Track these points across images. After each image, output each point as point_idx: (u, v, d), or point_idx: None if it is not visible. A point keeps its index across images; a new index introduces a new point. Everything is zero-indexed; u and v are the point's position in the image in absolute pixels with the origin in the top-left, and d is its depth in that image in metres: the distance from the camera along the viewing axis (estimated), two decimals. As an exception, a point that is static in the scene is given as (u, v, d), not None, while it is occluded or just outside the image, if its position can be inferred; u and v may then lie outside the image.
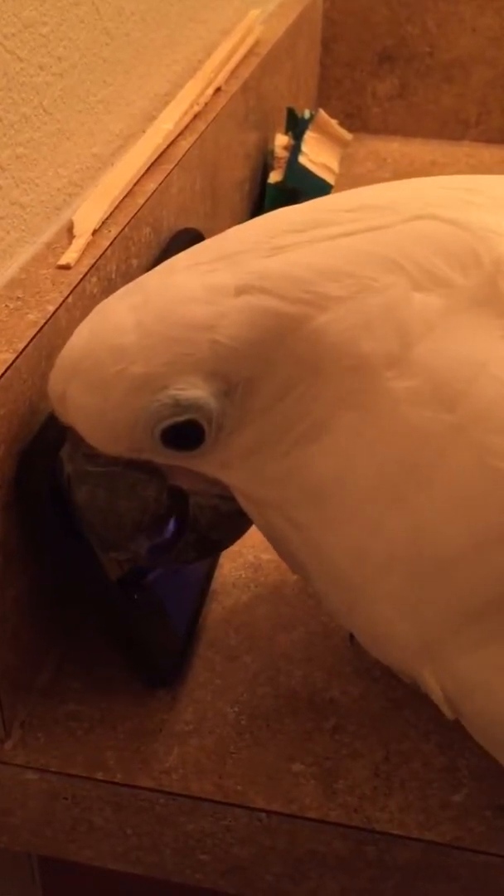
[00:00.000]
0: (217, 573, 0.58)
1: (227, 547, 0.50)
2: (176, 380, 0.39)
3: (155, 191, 0.63)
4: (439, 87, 1.18)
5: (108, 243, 0.56)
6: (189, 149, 0.69)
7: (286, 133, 1.02)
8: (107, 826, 0.50)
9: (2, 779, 0.49)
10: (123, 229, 0.58)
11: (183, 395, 0.39)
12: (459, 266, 0.37)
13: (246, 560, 0.59)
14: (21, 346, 0.46)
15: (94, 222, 0.56)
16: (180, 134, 0.71)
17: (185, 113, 0.72)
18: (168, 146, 0.68)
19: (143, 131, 0.68)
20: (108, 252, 0.55)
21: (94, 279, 0.54)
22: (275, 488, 0.41)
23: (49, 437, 0.46)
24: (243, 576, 0.59)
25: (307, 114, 1.04)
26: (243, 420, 0.40)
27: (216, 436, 0.41)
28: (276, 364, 0.39)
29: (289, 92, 1.05)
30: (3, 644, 0.47)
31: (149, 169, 0.65)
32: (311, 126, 1.02)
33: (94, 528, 0.45)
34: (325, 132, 1.06)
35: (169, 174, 0.65)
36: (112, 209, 0.59)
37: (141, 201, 0.61)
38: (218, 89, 0.80)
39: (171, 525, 0.45)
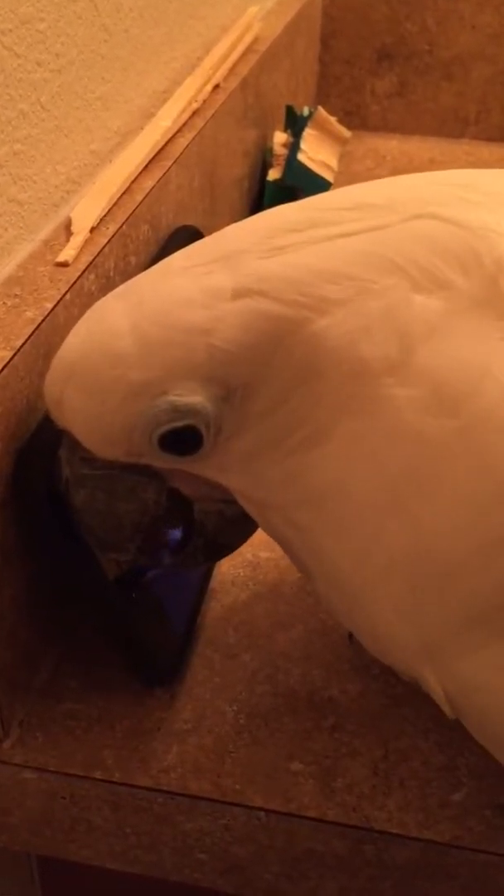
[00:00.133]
0: (216, 571, 0.58)
1: (235, 549, 0.49)
2: (173, 385, 0.39)
3: (153, 188, 0.62)
4: (438, 85, 1.18)
5: (106, 240, 0.55)
6: (188, 146, 0.69)
7: (285, 130, 1.02)
8: (105, 825, 0.49)
9: (0, 778, 0.49)
10: (121, 226, 0.57)
11: (180, 401, 0.39)
12: (460, 266, 0.37)
13: (245, 558, 0.59)
14: (19, 343, 0.46)
15: (92, 219, 0.56)
16: (179, 131, 0.71)
17: (184, 110, 0.72)
18: (166, 143, 0.68)
19: (142, 128, 0.68)
20: (107, 249, 0.55)
21: (92, 276, 0.54)
22: (275, 492, 0.41)
23: (47, 436, 0.46)
24: (242, 574, 0.59)
25: (306, 111, 1.03)
26: (242, 424, 0.40)
27: (215, 440, 0.40)
28: (275, 368, 0.38)
29: (287, 89, 1.05)
30: (1, 643, 0.47)
31: (147, 166, 0.65)
32: (309, 123, 1.02)
33: (94, 531, 0.45)
34: (323, 130, 1.05)
35: (167, 171, 0.65)
36: (110, 206, 0.59)
37: (139, 198, 0.61)
38: (216, 86, 0.80)
39: (177, 532, 0.45)
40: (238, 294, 0.38)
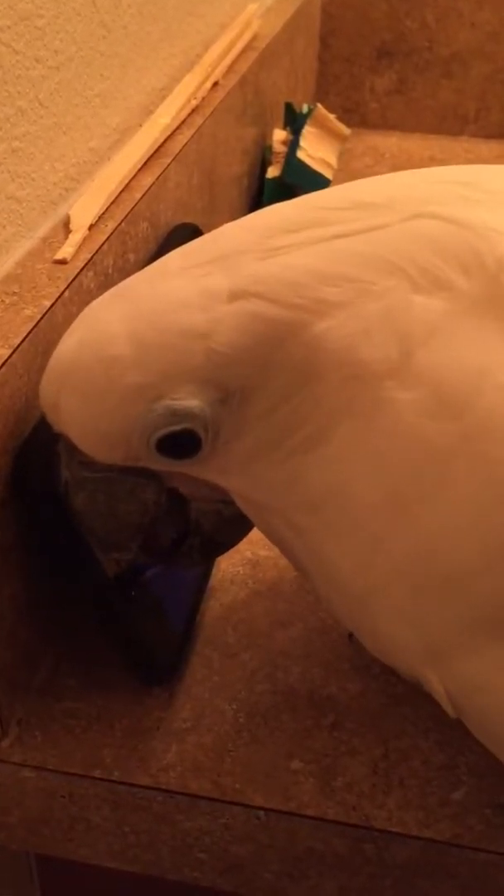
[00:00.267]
0: (215, 570, 0.58)
1: (231, 548, 0.49)
2: (171, 389, 0.38)
3: (152, 185, 0.62)
4: (438, 83, 1.18)
5: (104, 238, 0.55)
6: (186, 143, 0.69)
7: (284, 128, 1.01)
8: (104, 824, 0.49)
9: (-2, 777, 0.49)
10: (120, 224, 0.57)
11: (178, 405, 0.38)
12: (461, 266, 0.36)
13: (244, 557, 0.59)
14: (17, 341, 0.46)
15: (90, 217, 0.56)
16: (177, 128, 0.70)
17: (183, 107, 0.72)
18: (165, 140, 0.68)
19: (140, 125, 0.68)
20: (105, 247, 0.55)
21: (91, 274, 0.53)
22: (275, 494, 0.40)
23: (45, 435, 0.45)
24: (241, 572, 0.58)
25: (305, 109, 1.03)
26: (241, 427, 0.39)
27: (213, 443, 0.40)
28: (274, 371, 0.38)
29: (287, 87, 1.05)
30: (0, 642, 0.47)
31: (146, 163, 0.64)
32: (309, 121, 1.02)
33: (95, 532, 0.45)
34: (323, 127, 1.05)
35: (166, 169, 0.65)
36: (109, 204, 0.59)
37: (138, 196, 0.61)
38: (215, 84, 0.80)
39: (172, 532, 0.45)
40: (235, 296, 0.37)
